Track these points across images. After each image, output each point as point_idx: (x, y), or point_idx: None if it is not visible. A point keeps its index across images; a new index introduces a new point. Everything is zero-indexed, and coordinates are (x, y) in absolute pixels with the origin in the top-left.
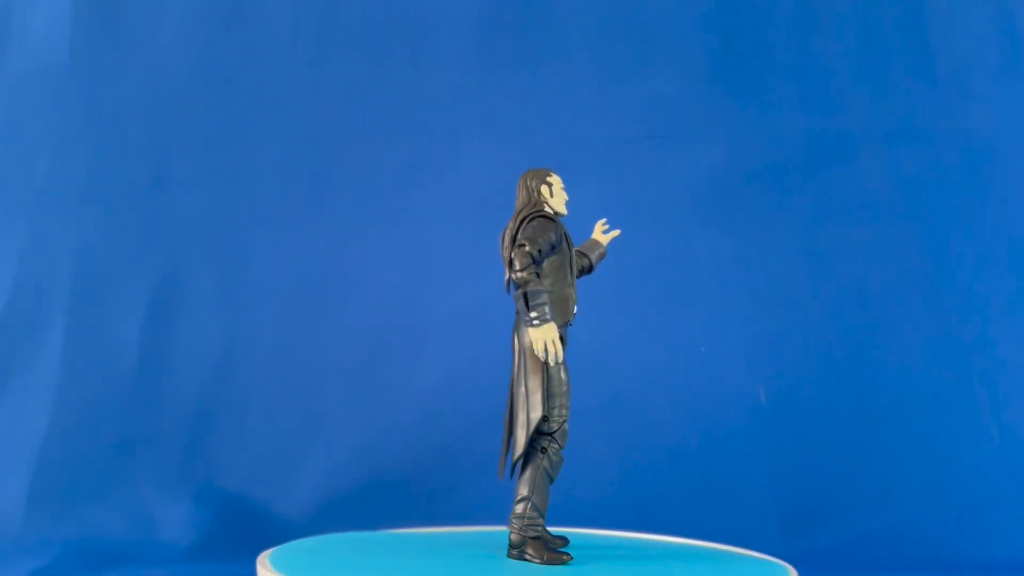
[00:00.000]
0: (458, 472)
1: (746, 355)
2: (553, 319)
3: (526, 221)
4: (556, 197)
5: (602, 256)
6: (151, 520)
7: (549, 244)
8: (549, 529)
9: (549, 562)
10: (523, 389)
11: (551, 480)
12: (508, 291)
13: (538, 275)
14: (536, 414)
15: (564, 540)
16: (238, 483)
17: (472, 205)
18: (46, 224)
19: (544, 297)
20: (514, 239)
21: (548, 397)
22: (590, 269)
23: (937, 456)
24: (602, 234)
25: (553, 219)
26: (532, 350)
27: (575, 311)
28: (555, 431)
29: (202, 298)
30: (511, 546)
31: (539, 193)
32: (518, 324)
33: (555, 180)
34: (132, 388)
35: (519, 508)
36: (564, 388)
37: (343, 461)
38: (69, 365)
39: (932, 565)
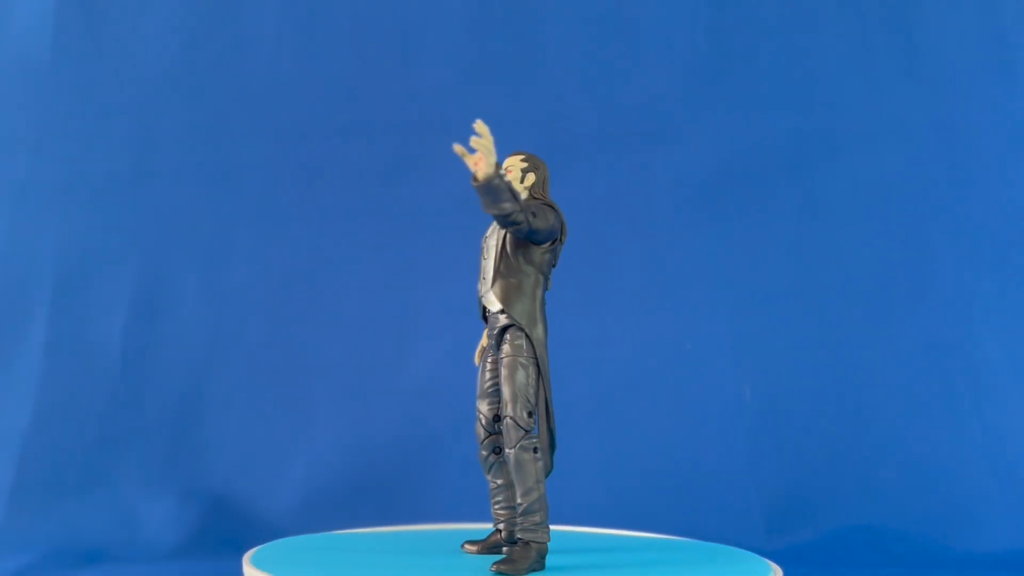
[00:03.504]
0: (444, 470)
1: (731, 352)
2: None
3: None
4: None
5: (477, 192)
6: (135, 517)
7: None
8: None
9: None
10: None
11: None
12: None
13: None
14: None
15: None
16: (223, 481)
17: (459, 201)
18: (27, 218)
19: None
20: None
21: None
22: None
23: (920, 453)
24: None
25: None
26: None
27: (481, 299)
28: None
29: (186, 294)
30: None
31: None
32: None
33: None
34: (115, 384)
35: None
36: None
37: (329, 459)
38: (51, 360)
39: (915, 560)
